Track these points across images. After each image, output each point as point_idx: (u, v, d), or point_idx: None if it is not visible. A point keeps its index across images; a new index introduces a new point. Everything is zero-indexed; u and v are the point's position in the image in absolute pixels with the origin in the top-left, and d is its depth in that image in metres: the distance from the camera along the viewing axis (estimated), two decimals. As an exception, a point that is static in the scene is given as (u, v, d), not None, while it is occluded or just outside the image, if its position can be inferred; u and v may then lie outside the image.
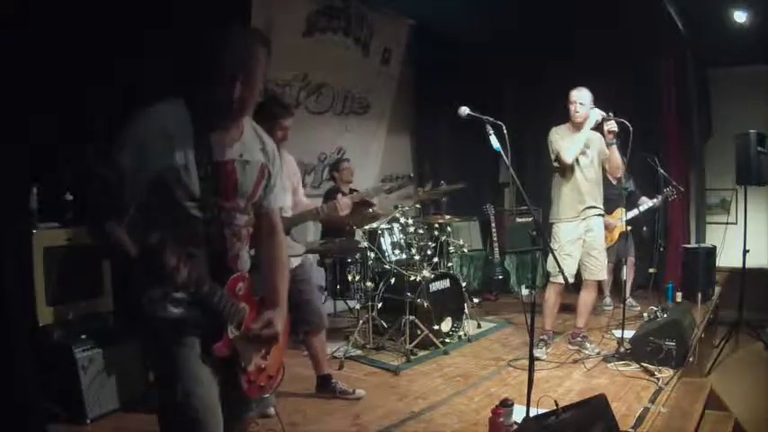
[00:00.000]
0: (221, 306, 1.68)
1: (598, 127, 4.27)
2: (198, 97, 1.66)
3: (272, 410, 2.98)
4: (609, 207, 5.76)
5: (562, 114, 4.44)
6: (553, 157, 4.32)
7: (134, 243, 1.48)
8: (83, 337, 3.12)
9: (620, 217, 5.62)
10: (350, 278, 4.87)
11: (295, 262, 3.36)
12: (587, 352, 4.31)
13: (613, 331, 4.62)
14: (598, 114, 4.18)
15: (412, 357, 4.26)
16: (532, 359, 2.72)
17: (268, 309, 1.85)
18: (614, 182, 5.76)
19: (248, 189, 1.77)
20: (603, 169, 5.69)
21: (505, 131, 2.84)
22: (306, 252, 3.57)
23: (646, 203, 5.54)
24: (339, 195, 3.67)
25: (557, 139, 4.28)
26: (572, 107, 4.23)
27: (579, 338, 4.47)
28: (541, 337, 4.45)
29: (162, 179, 1.59)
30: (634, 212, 5.44)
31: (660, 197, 5.51)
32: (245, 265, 1.84)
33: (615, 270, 5.96)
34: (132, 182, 1.56)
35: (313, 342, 3.52)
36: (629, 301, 5.68)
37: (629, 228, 5.38)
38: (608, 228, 5.77)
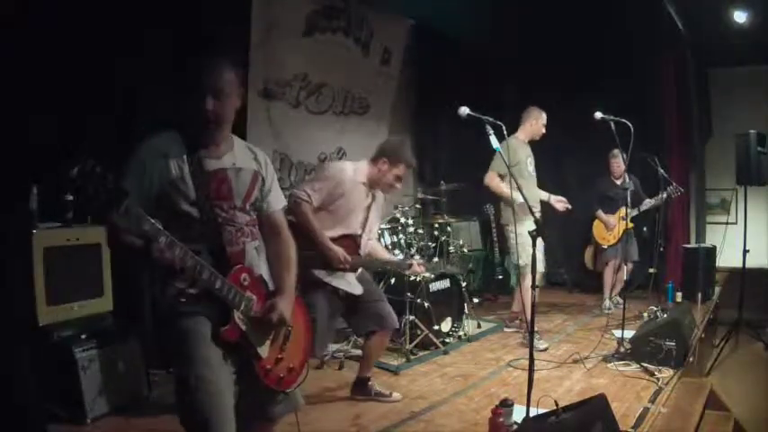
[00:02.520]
0: (224, 292, 1.85)
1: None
2: (183, 118, 1.90)
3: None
4: (612, 206, 5.78)
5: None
6: (512, 162, 4.40)
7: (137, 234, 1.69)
8: (83, 337, 3.11)
9: (623, 216, 5.63)
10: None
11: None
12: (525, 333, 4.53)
13: (613, 331, 4.62)
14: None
15: (412, 357, 4.26)
16: (532, 359, 2.72)
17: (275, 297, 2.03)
18: (618, 182, 5.76)
19: (243, 191, 2.00)
20: (604, 166, 5.81)
21: (505, 131, 2.85)
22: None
23: (647, 204, 5.54)
24: (414, 261, 3.66)
25: (511, 153, 4.42)
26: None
27: (517, 321, 4.95)
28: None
29: (163, 189, 1.86)
30: (634, 212, 5.43)
31: (664, 193, 5.48)
32: (254, 259, 2.03)
33: (617, 270, 5.96)
34: (138, 196, 1.75)
35: (375, 342, 3.45)
36: (617, 299, 5.72)
37: (632, 225, 5.38)
38: (609, 227, 5.77)
